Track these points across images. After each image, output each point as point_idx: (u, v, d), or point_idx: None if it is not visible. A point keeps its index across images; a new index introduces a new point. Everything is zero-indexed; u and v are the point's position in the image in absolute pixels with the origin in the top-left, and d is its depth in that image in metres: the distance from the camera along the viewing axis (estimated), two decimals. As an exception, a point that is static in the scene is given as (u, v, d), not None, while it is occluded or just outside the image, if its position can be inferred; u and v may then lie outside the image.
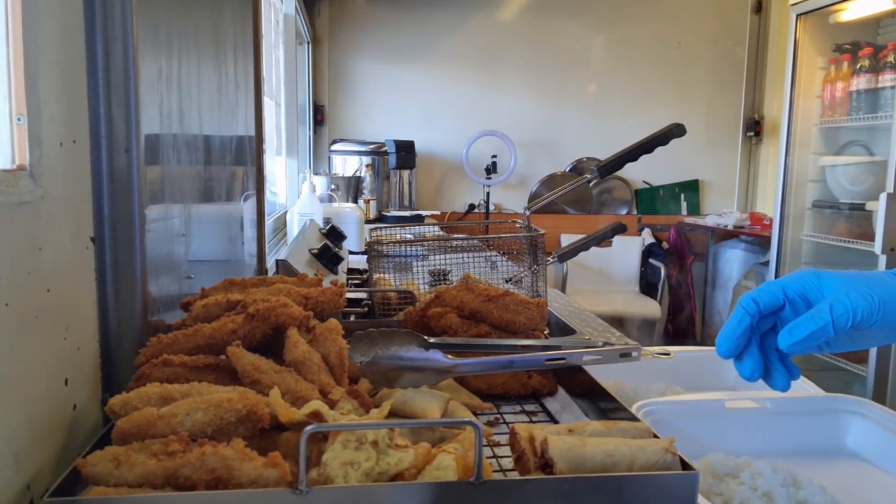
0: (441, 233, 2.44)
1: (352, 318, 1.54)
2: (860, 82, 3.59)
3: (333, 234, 2.17)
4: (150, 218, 0.91)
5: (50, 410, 0.73)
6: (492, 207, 5.19)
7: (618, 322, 4.57)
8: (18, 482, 0.66)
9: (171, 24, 1.05)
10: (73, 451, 0.76)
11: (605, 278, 5.18)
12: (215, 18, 1.36)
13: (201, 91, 1.22)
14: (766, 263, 4.26)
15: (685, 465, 0.71)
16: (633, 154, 1.62)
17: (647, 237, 5.30)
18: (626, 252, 5.17)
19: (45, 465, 0.71)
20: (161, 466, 0.63)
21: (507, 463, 0.84)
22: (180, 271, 1.10)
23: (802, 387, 1.37)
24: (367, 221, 3.94)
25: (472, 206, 5.24)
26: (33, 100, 0.70)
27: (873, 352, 3.22)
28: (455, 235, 2.26)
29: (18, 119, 0.69)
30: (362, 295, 1.65)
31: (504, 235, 1.77)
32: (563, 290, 4.79)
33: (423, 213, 4.76)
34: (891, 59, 3.39)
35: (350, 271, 2.24)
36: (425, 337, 1.01)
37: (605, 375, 1.03)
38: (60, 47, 0.77)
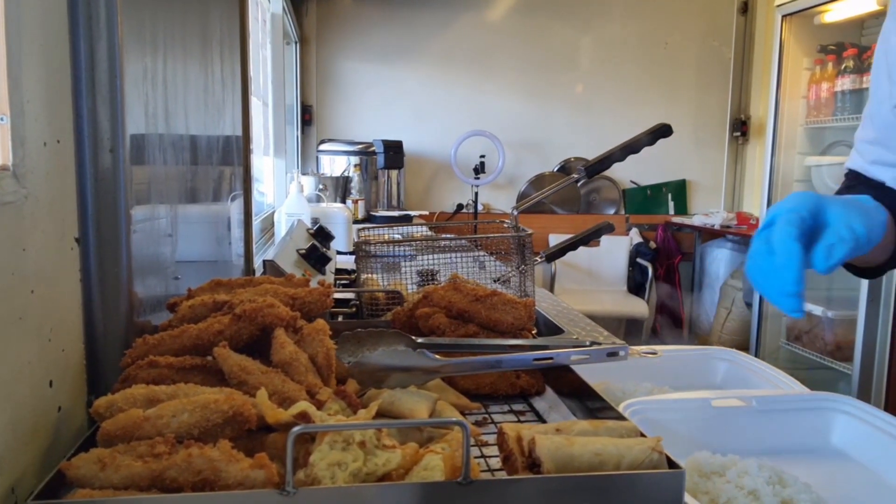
0: (429, 233, 2.44)
1: (339, 319, 1.53)
2: (845, 83, 3.62)
3: (321, 235, 2.16)
4: (136, 218, 0.90)
5: (34, 412, 0.72)
6: (480, 207, 5.19)
7: (605, 321, 4.58)
8: (2, 485, 0.65)
9: (157, 23, 1.04)
10: (57, 454, 0.75)
11: (592, 278, 5.20)
12: (202, 17, 1.35)
13: (188, 90, 1.21)
14: (753, 263, 4.27)
15: (672, 464, 0.72)
16: (620, 154, 1.63)
17: (635, 237, 5.32)
18: (614, 252, 5.18)
19: (30, 467, 0.71)
20: (147, 468, 0.63)
21: (495, 463, 0.84)
22: (167, 272, 1.09)
23: (788, 385, 1.38)
24: (356, 221, 3.92)
25: (460, 206, 5.24)
26: (16, 99, 0.69)
27: (858, 350, 3.25)
28: (443, 235, 2.26)
29: (1, 119, 0.68)
30: (350, 295, 1.65)
31: (492, 235, 1.77)
32: (551, 289, 4.80)
33: (412, 213, 4.75)
34: (875, 60, 3.41)
35: (338, 271, 2.24)
36: (413, 337, 1.02)
37: (593, 375, 1.04)
38: (44, 46, 0.76)
